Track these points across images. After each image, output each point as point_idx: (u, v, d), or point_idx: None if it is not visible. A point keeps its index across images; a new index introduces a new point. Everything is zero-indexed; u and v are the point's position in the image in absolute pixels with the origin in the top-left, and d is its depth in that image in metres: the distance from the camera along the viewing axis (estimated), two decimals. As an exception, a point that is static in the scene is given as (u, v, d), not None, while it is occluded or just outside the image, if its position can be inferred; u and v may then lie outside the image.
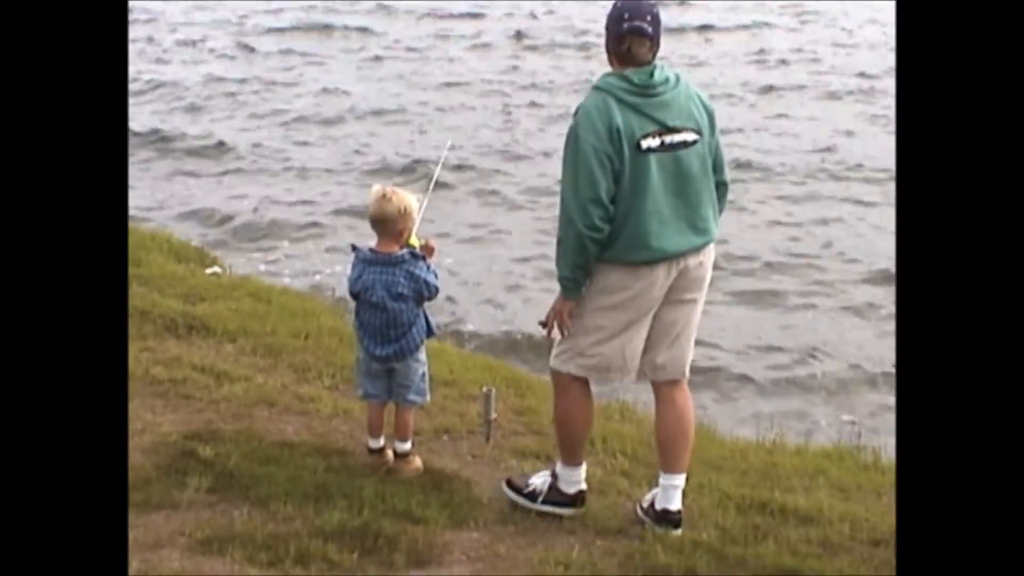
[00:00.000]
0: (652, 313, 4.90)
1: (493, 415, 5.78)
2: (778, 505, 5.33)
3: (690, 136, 4.75)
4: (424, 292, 5.24)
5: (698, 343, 5.22)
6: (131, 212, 11.82)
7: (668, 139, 4.71)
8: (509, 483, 5.24)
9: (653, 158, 4.69)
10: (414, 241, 5.30)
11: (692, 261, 4.85)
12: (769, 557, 4.84)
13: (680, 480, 5.06)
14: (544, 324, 5.05)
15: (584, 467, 5.20)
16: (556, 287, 4.95)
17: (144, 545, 4.57)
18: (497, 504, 5.20)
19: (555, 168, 5.25)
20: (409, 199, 5.26)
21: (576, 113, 4.75)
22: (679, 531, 5.00)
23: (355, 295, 5.34)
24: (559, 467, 5.18)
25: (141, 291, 7.78)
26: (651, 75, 4.69)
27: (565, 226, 4.76)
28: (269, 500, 4.99)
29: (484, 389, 5.79)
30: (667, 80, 4.74)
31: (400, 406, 5.41)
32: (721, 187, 4.98)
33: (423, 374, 5.39)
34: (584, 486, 5.18)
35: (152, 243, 9.40)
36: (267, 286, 8.80)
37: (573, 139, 4.70)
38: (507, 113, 17.83)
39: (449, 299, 10.11)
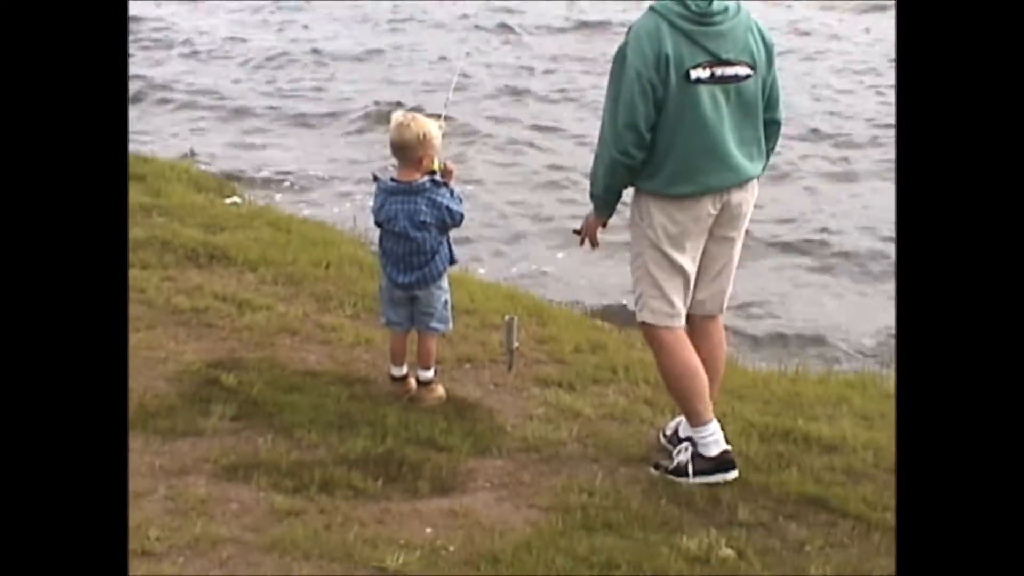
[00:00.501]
0: (699, 249, 4.80)
1: (515, 344, 5.78)
2: (801, 433, 5.32)
3: (743, 70, 4.60)
4: (447, 219, 5.21)
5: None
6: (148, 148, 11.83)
7: (719, 71, 4.56)
8: (656, 466, 4.95)
9: (703, 89, 4.55)
10: (436, 166, 5.26)
11: (736, 196, 4.74)
12: (792, 484, 4.84)
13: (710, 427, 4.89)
14: (578, 232, 5.06)
15: (715, 423, 4.88)
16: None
17: (170, 472, 4.60)
18: (520, 432, 5.20)
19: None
20: (429, 125, 5.21)
21: (628, 32, 4.62)
22: (735, 472, 4.85)
23: (379, 224, 5.32)
24: (690, 431, 4.91)
25: (162, 221, 7.79)
26: (710, 2, 4.53)
27: (600, 146, 4.71)
28: (293, 428, 5.01)
29: (506, 318, 5.78)
30: (726, 9, 4.57)
31: (423, 334, 5.40)
32: (773, 125, 4.82)
33: (445, 302, 5.38)
34: (726, 444, 4.88)
35: (171, 173, 9.38)
36: (287, 216, 8.78)
37: (620, 61, 4.59)
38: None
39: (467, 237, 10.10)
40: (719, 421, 5.37)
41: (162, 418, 5.00)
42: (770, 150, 4.88)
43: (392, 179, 5.25)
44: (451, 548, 4.21)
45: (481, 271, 8.91)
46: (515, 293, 7.53)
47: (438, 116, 5.48)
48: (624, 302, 8.40)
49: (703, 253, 4.83)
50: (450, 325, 5.51)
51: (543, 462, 4.98)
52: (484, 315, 6.66)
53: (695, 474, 4.81)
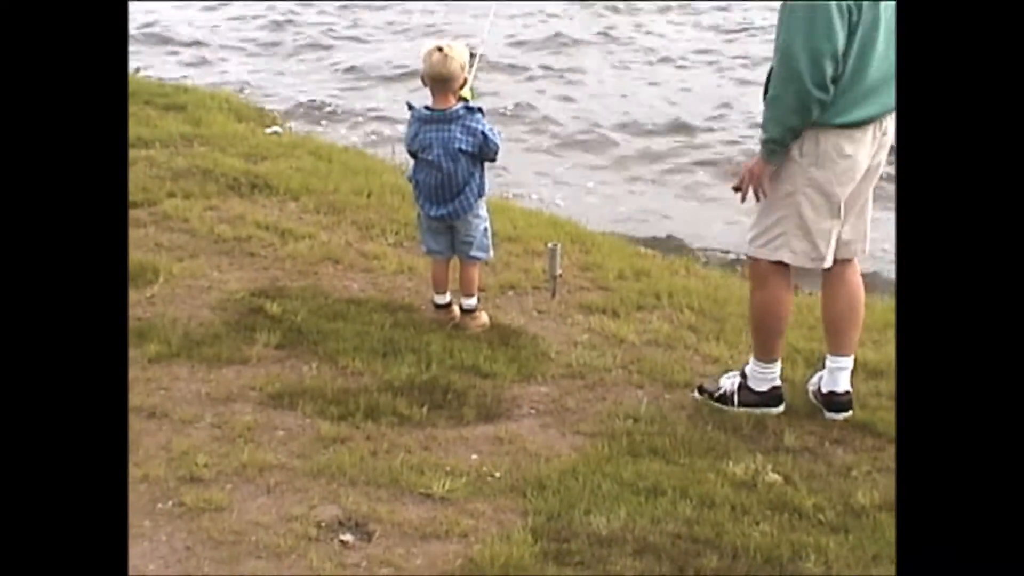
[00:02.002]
0: (855, 186, 4.51)
1: (558, 271, 5.76)
2: (847, 359, 5.27)
3: None
4: (484, 147, 5.17)
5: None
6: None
7: None
8: (700, 389, 4.90)
9: (883, 5, 4.25)
10: (467, 93, 5.21)
11: (887, 122, 4.46)
12: (839, 411, 4.81)
13: (848, 362, 4.78)
14: (737, 188, 4.62)
15: (779, 363, 4.80)
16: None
17: (216, 399, 4.62)
18: (564, 359, 5.19)
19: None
20: (465, 52, 5.17)
21: None
22: (848, 413, 4.76)
23: (413, 153, 5.29)
24: (751, 364, 4.80)
25: (203, 150, 7.79)
26: None
27: (785, 82, 4.27)
28: (337, 355, 5.02)
29: (549, 245, 5.76)
30: None
31: (464, 262, 5.39)
32: None
33: (485, 229, 5.35)
34: (778, 382, 4.79)
35: (212, 103, 9.37)
36: (327, 144, 8.76)
37: None
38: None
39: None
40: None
41: (207, 346, 5.02)
42: None
43: (426, 107, 5.20)
44: (497, 474, 4.22)
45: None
46: (557, 220, 7.49)
47: (473, 55, 5.42)
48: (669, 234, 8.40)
49: (864, 183, 4.57)
50: (491, 253, 5.49)
51: (588, 388, 4.97)
52: (527, 242, 6.64)
53: (740, 404, 4.78)
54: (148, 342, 5.00)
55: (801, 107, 4.26)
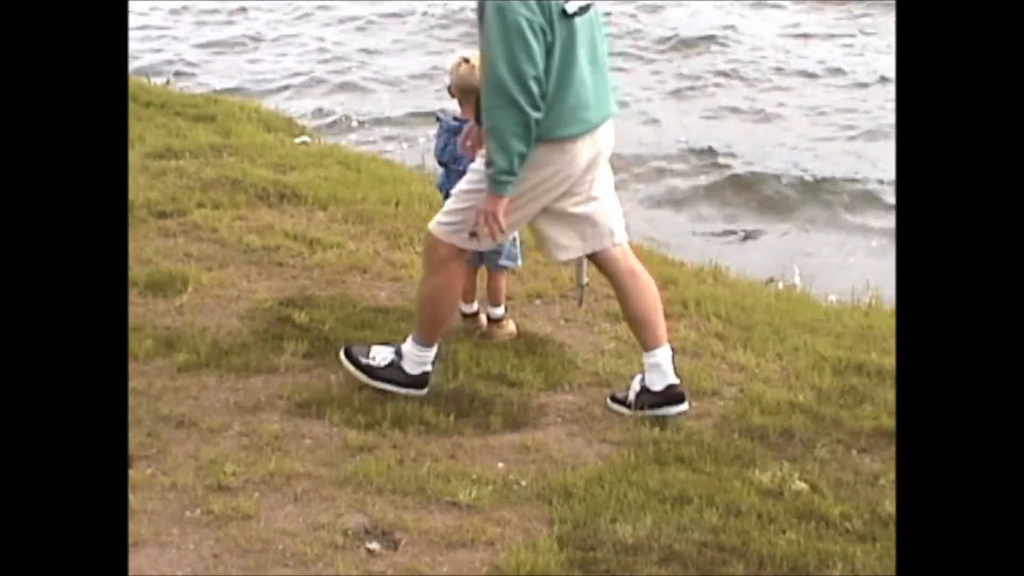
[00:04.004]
0: (563, 189, 4.60)
1: (585, 279, 5.74)
2: (875, 367, 5.26)
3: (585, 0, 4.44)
4: None
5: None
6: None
7: (584, 2, 4.41)
8: (347, 352, 4.88)
9: (577, 22, 4.38)
10: None
11: (604, 130, 4.62)
12: (866, 419, 4.80)
13: (667, 352, 4.83)
14: (474, 234, 4.61)
15: (435, 348, 4.83)
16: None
17: (244, 408, 4.65)
18: (591, 367, 5.20)
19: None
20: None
21: None
22: (687, 406, 4.78)
23: (443, 163, 5.31)
24: (408, 344, 4.81)
25: (232, 160, 7.82)
26: None
27: (502, 110, 4.32)
28: (365, 364, 5.03)
29: (576, 253, 5.76)
30: None
31: (491, 271, 5.40)
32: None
33: (514, 239, 5.35)
34: (430, 368, 4.82)
35: (241, 113, 9.42)
36: (356, 154, 8.78)
37: (500, 14, 4.26)
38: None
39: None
40: (791, 354, 5.38)
41: (235, 355, 5.05)
42: None
43: (455, 118, 5.22)
44: (523, 482, 4.23)
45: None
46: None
47: None
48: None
49: (593, 194, 4.70)
50: (519, 262, 5.51)
51: (614, 397, 4.97)
52: (553, 251, 6.63)
53: (380, 379, 4.78)
54: (177, 351, 5.04)
55: (524, 131, 4.32)
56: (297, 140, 9.03)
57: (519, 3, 4.24)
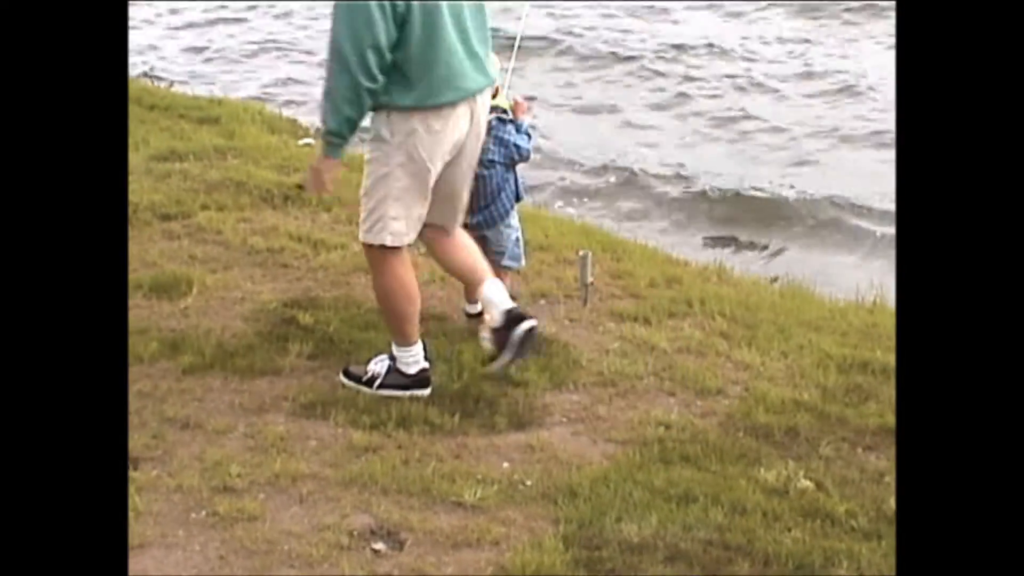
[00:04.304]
0: (444, 160, 4.73)
1: (590, 279, 5.77)
2: (880, 364, 5.25)
3: None
4: (515, 156, 5.19)
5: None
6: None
7: None
8: (346, 373, 4.93)
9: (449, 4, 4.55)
10: (503, 102, 5.23)
11: (477, 104, 4.76)
12: (871, 417, 4.79)
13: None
14: (301, 187, 4.79)
15: (421, 345, 4.89)
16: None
17: (249, 409, 4.66)
18: (596, 367, 5.19)
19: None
20: (496, 63, 5.19)
21: None
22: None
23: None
24: (393, 349, 4.88)
25: (236, 163, 7.84)
26: None
27: (338, 75, 4.47)
28: (369, 365, 5.03)
29: (580, 253, 5.78)
30: None
31: (496, 271, 5.39)
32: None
33: (516, 239, 5.36)
34: (426, 364, 4.88)
35: (245, 115, 9.44)
36: (359, 156, 8.76)
37: None
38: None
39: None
40: (796, 353, 5.38)
41: (240, 357, 5.05)
42: None
43: None
44: (528, 482, 4.23)
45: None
46: (589, 228, 7.50)
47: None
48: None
49: (457, 166, 4.81)
50: (523, 262, 5.51)
51: (619, 396, 4.97)
52: (558, 251, 6.63)
53: (382, 386, 4.80)
54: (182, 353, 5.05)
55: (354, 97, 4.45)
56: (301, 142, 9.03)
57: None
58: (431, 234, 4.98)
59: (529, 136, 5.25)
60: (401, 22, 4.44)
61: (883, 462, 4.49)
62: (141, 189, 7.15)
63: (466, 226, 5.28)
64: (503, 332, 4.83)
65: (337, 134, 4.57)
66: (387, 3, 4.38)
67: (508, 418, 4.69)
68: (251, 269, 6.09)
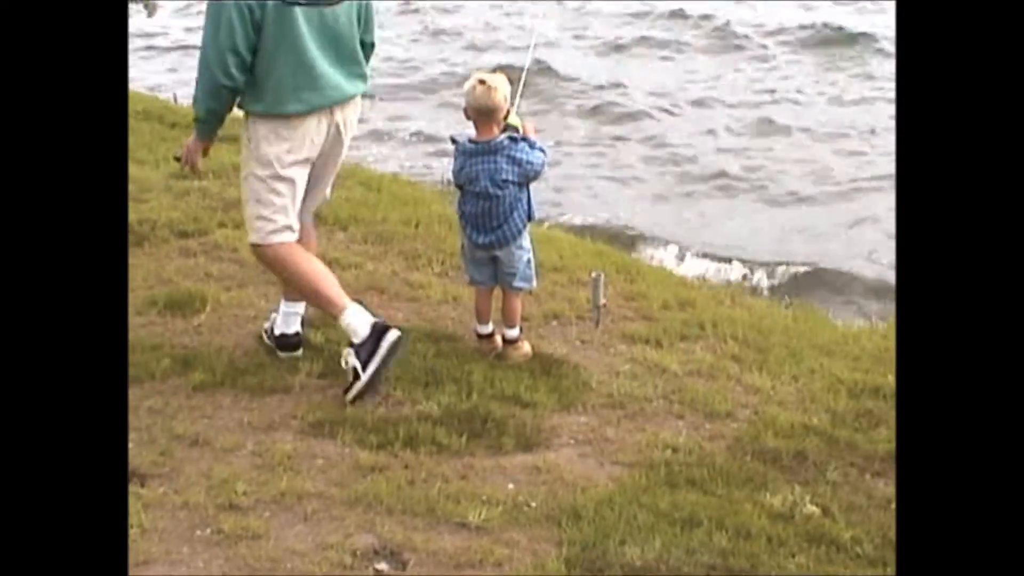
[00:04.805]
0: (310, 165, 5.08)
1: (602, 300, 5.78)
2: (891, 389, 5.23)
3: None
4: (529, 174, 5.21)
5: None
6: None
7: None
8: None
9: (298, 11, 4.79)
10: (514, 121, 5.25)
11: (339, 115, 5.05)
12: (881, 442, 4.78)
13: (301, 307, 5.32)
14: (178, 159, 5.25)
15: (358, 306, 5.09)
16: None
17: (257, 427, 4.68)
18: (605, 388, 5.19)
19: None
20: (506, 82, 5.22)
21: None
22: (298, 352, 5.26)
23: (459, 186, 5.34)
24: (343, 318, 5.08)
25: (254, 181, 7.86)
26: None
27: (202, 70, 4.84)
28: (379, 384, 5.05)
29: (593, 274, 5.79)
30: None
31: (507, 292, 5.41)
32: (368, 47, 5.16)
33: (528, 260, 5.37)
34: (375, 316, 5.11)
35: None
36: (377, 175, 8.83)
37: None
38: None
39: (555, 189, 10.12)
40: (807, 377, 5.38)
41: (251, 375, 5.08)
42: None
43: (470, 140, 5.25)
44: (533, 504, 4.23)
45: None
46: (603, 250, 7.50)
47: (515, 80, 5.47)
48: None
49: (315, 168, 5.12)
50: (534, 283, 5.51)
51: (628, 418, 4.97)
52: (572, 272, 6.65)
53: (364, 366, 4.93)
54: (193, 370, 5.08)
55: (214, 91, 4.84)
56: (319, 160, 9.06)
57: None
58: (304, 239, 5.27)
59: (543, 152, 5.26)
60: (258, 28, 4.77)
61: (891, 488, 4.46)
62: (160, 206, 7.21)
63: (479, 246, 5.31)
64: (367, 349, 4.96)
65: (203, 121, 5.01)
66: (245, 9, 4.71)
67: (515, 439, 4.70)
68: (265, 287, 6.11)
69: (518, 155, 5.19)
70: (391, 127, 13.21)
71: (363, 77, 5.13)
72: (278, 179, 4.97)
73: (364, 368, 4.91)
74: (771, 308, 6.63)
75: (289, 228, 5.04)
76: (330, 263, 6.37)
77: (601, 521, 4.10)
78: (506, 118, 5.25)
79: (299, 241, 5.16)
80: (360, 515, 4.09)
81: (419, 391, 5.01)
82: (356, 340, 4.96)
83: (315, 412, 4.79)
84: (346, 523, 4.03)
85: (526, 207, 5.29)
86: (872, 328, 6.37)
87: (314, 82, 4.89)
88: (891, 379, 5.34)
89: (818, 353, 5.71)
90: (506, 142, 5.19)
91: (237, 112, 5.10)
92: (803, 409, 5.08)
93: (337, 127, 5.07)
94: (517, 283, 5.37)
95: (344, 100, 5.04)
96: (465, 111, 5.29)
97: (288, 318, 5.30)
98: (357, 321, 5.00)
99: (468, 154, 5.23)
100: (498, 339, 5.49)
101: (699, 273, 7.91)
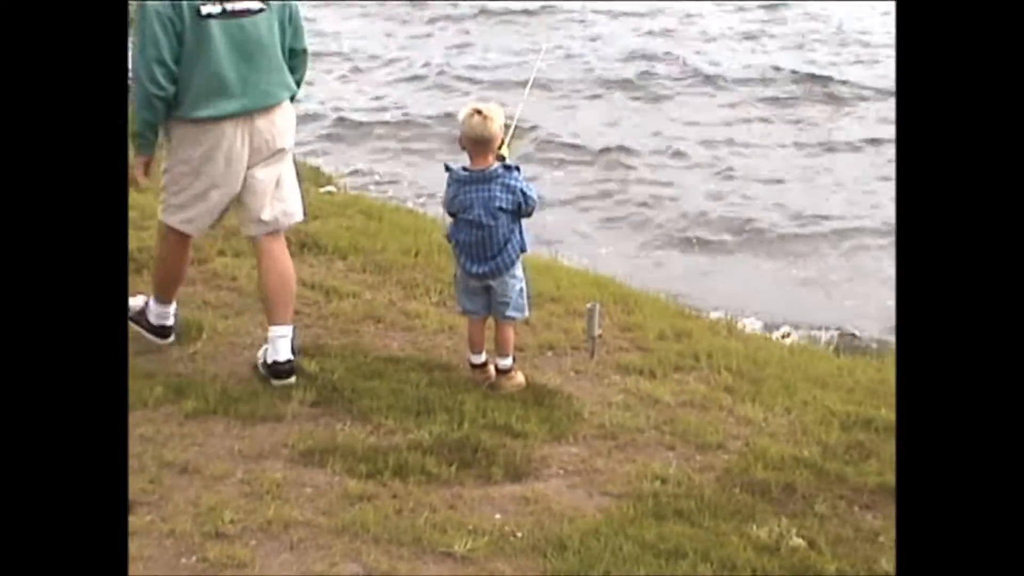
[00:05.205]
0: (237, 173, 5.26)
1: (597, 331, 5.78)
2: (883, 422, 5.24)
3: (254, 5, 5.16)
4: (523, 203, 5.23)
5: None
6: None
7: (229, 6, 5.08)
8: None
9: (214, 23, 5.04)
10: (505, 151, 5.28)
11: (262, 121, 5.25)
12: (871, 475, 4.78)
13: (287, 331, 5.40)
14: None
15: (173, 307, 5.68)
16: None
17: (248, 456, 4.69)
18: (597, 419, 5.20)
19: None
20: (501, 112, 5.26)
21: None
22: (292, 379, 5.31)
23: (452, 214, 5.37)
24: (152, 301, 5.65)
25: (256, 209, 7.90)
26: None
27: (137, 83, 5.10)
28: (371, 413, 5.07)
29: (588, 305, 5.80)
30: None
31: (500, 322, 5.43)
32: (299, 54, 5.43)
33: (520, 290, 5.39)
34: (171, 322, 5.68)
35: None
36: (379, 204, 8.86)
37: (143, 6, 5.06)
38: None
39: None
40: (800, 409, 5.39)
41: (244, 403, 5.09)
42: (298, 79, 5.46)
43: (464, 168, 5.28)
44: (519, 534, 4.24)
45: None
46: (602, 280, 7.52)
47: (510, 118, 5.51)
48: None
49: (254, 177, 5.30)
50: (527, 312, 5.53)
51: (618, 449, 4.98)
52: (569, 302, 6.66)
53: (132, 320, 5.59)
54: (186, 398, 5.09)
55: (148, 103, 5.07)
56: (323, 190, 9.12)
57: (160, 1, 4.99)
58: (266, 245, 5.48)
59: (531, 188, 5.30)
60: (180, 39, 5.03)
61: (879, 521, 4.47)
62: (160, 234, 7.24)
63: (474, 275, 5.33)
64: (148, 325, 5.62)
65: (141, 135, 5.19)
66: (167, 21, 4.98)
67: (505, 469, 4.71)
68: (262, 316, 6.11)
69: (513, 183, 5.22)
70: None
71: (286, 85, 5.35)
72: (194, 175, 5.24)
73: (131, 319, 5.57)
74: (768, 340, 6.65)
75: (189, 221, 5.36)
76: (328, 292, 6.45)
77: (586, 552, 4.10)
78: (500, 147, 5.29)
79: (259, 260, 5.49)
80: (346, 544, 4.10)
81: (411, 420, 5.03)
82: (148, 316, 5.63)
83: (306, 440, 4.81)
84: (332, 552, 4.04)
85: (519, 239, 5.31)
86: (867, 361, 6.37)
87: (226, 90, 5.11)
88: (884, 412, 5.35)
89: (812, 385, 5.72)
90: (501, 170, 5.23)
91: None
92: (794, 441, 5.09)
93: (261, 134, 5.25)
94: (510, 313, 5.39)
95: (261, 108, 5.23)
96: (459, 140, 5.33)
97: (277, 343, 5.34)
98: (160, 314, 5.64)
99: (462, 182, 5.26)
100: (492, 369, 5.51)
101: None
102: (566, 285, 7.00)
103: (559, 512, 4.42)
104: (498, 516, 4.36)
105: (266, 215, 5.37)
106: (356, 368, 5.52)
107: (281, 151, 5.36)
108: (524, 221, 5.35)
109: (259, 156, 5.27)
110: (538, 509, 4.43)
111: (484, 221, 5.22)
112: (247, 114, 5.19)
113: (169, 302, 5.66)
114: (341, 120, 14.12)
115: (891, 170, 11.53)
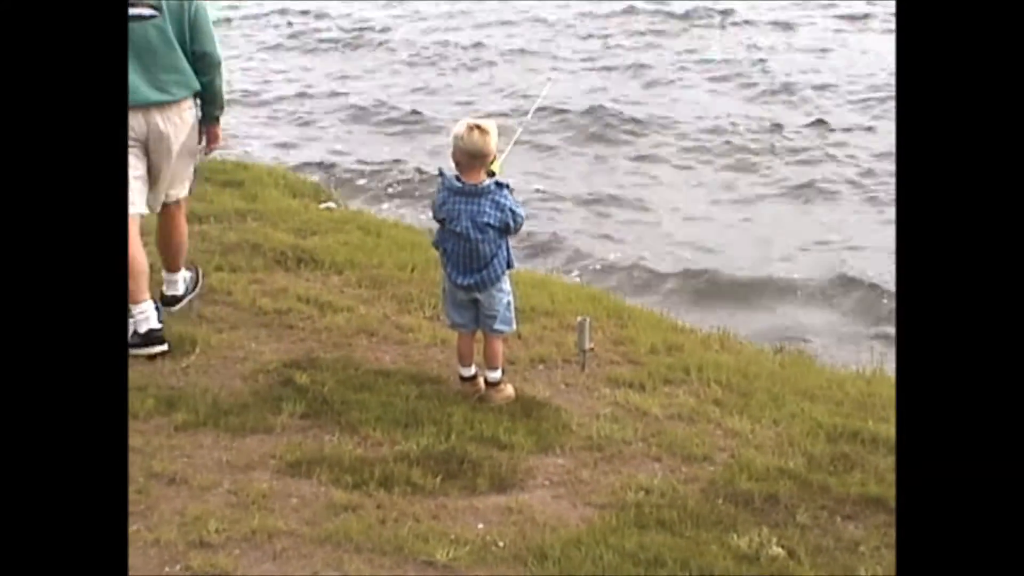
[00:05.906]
0: (147, 156, 5.84)
1: (588, 344, 5.83)
2: (870, 434, 5.26)
3: (146, 11, 5.64)
4: (510, 222, 5.27)
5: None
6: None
7: (132, 11, 5.54)
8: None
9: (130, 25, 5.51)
10: (497, 167, 5.33)
11: (157, 116, 5.79)
12: (854, 485, 4.80)
13: (179, 276, 6.38)
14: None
15: (149, 304, 5.83)
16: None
17: (235, 467, 4.74)
18: (585, 431, 5.24)
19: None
20: (496, 129, 5.31)
21: None
22: (164, 347, 5.80)
23: (438, 220, 5.40)
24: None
25: (255, 225, 7.99)
26: None
27: None
28: (360, 425, 5.11)
29: (579, 319, 5.84)
30: None
31: (488, 335, 5.47)
32: (204, 58, 5.88)
33: (508, 303, 5.43)
34: (157, 325, 5.83)
35: (268, 179, 9.62)
36: (378, 220, 8.92)
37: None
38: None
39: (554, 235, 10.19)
40: (787, 421, 5.40)
41: (234, 415, 5.15)
42: (207, 82, 5.95)
43: (457, 178, 5.32)
44: (501, 543, 4.27)
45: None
46: (596, 294, 7.56)
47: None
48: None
49: (157, 165, 5.90)
50: (514, 326, 5.57)
51: (604, 460, 5.01)
52: (562, 316, 6.70)
53: (131, 346, 5.70)
54: (177, 411, 5.15)
55: None
56: (322, 205, 9.19)
57: None
58: (167, 209, 6.18)
59: (520, 207, 5.35)
60: None
61: (860, 531, 4.49)
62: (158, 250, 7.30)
63: (460, 287, 5.37)
64: (135, 339, 5.74)
65: None
66: None
67: (490, 480, 4.75)
68: (256, 330, 6.21)
69: (503, 201, 5.26)
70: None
71: (180, 84, 5.83)
72: (132, 161, 5.77)
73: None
74: (759, 353, 6.66)
75: (134, 204, 5.76)
76: (322, 306, 6.50)
77: (567, 561, 4.14)
78: (491, 163, 5.34)
79: (160, 221, 6.19)
80: (328, 553, 4.14)
81: (399, 432, 5.07)
82: (136, 329, 5.76)
83: (294, 452, 4.85)
84: (314, 561, 4.09)
85: (506, 255, 5.35)
86: (858, 373, 6.39)
87: (131, 85, 5.51)
88: (871, 424, 5.37)
89: (800, 398, 5.75)
90: (492, 187, 5.27)
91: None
92: (780, 453, 5.11)
93: (157, 127, 5.79)
94: (498, 326, 5.43)
95: (152, 105, 5.73)
96: (453, 154, 5.36)
97: (170, 284, 6.31)
98: (141, 319, 5.74)
99: (453, 191, 5.30)
100: (481, 382, 5.55)
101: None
102: (560, 299, 7.04)
103: (542, 522, 4.45)
104: (481, 526, 4.40)
105: (172, 192, 6.08)
106: (347, 381, 5.57)
107: (171, 147, 5.86)
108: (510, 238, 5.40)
109: (157, 145, 5.81)
110: (521, 519, 4.47)
111: (471, 235, 5.26)
112: (145, 107, 5.70)
113: (141, 299, 5.80)
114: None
115: None
